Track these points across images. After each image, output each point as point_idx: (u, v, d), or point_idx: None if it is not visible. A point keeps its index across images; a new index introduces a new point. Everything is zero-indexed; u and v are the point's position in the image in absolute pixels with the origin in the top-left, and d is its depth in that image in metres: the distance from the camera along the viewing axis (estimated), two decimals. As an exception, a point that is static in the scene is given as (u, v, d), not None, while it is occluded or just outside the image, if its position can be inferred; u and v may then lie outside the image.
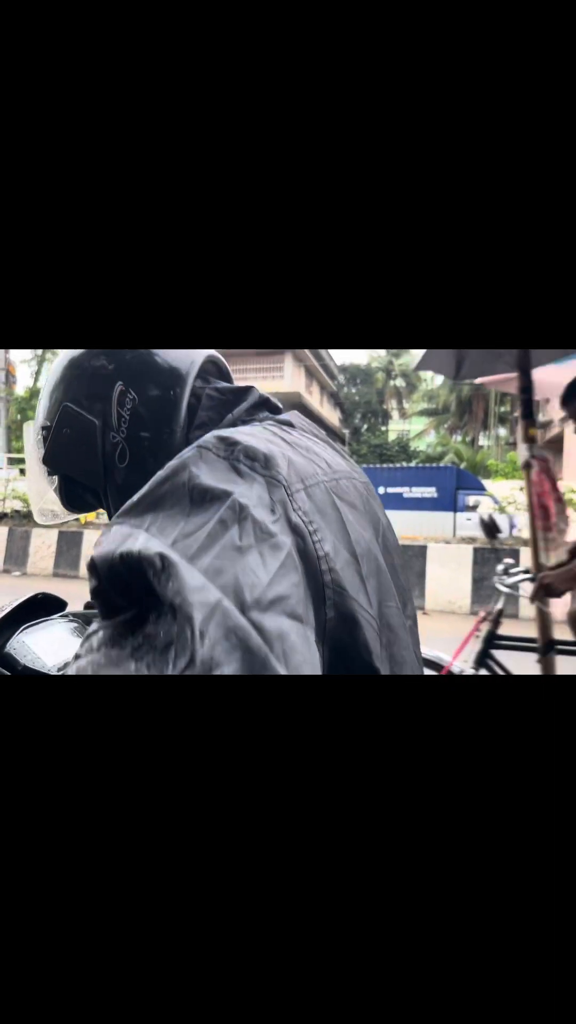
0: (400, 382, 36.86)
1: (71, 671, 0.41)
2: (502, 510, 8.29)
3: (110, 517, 0.68)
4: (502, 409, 29.62)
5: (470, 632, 2.56)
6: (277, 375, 20.84)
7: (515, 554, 6.43)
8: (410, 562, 6.71)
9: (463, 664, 2.48)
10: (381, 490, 12.34)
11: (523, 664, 2.35)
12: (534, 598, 2.16)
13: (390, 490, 12.77)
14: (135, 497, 0.48)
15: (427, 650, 2.44)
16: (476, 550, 6.73)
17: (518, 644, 2.43)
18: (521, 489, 5.76)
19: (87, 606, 0.82)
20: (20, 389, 20.90)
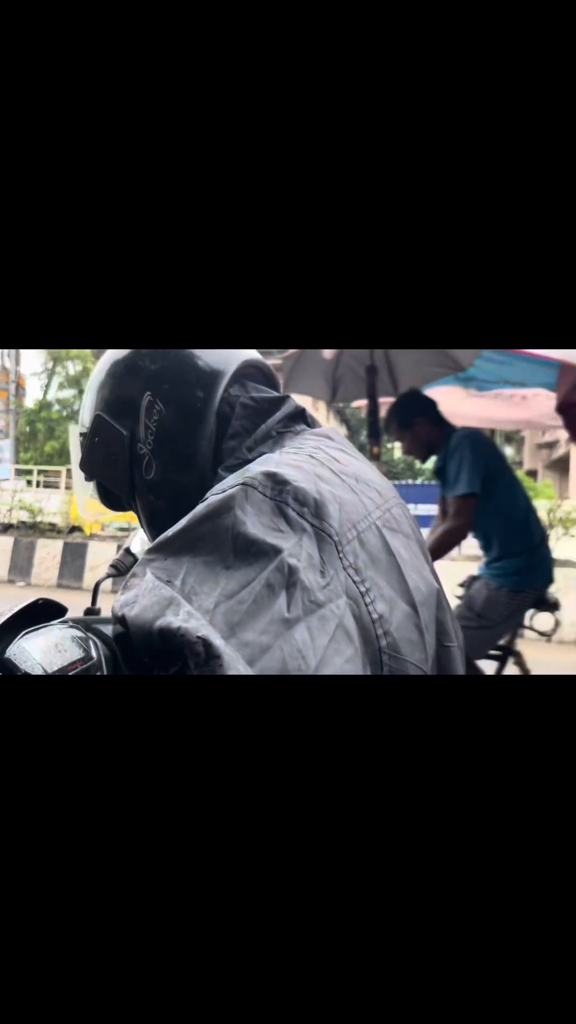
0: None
1: None
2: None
3: (141, 525, 0.67)
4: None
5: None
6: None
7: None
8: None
9: None
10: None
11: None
12: None
13: (395, 507, 12.65)
14: (172, 531, 0.45)
15: None
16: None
17: None
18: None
19: (87, 612, 0.81)
20: (29, 401, 21.13)
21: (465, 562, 7.20)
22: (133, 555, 0.89)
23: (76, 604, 0.82)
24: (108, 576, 0.86)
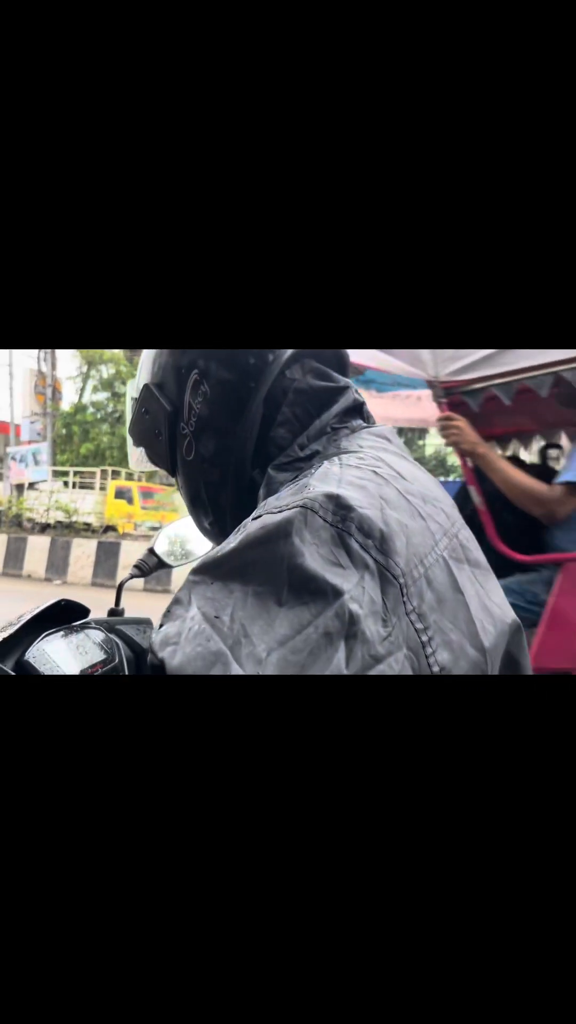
0: (439, 396, 36.45)
1: None
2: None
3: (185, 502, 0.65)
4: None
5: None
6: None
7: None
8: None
9: None
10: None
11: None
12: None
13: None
14: (221, 552, 0.42)
15: None
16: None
17: None
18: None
19: (111, 613, 0.81)
20: (66, 405, 21.64)
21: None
22: (157, 555, 0.88)
23: (110, 602, 0.81)
24: (132, 577, 0.85)
